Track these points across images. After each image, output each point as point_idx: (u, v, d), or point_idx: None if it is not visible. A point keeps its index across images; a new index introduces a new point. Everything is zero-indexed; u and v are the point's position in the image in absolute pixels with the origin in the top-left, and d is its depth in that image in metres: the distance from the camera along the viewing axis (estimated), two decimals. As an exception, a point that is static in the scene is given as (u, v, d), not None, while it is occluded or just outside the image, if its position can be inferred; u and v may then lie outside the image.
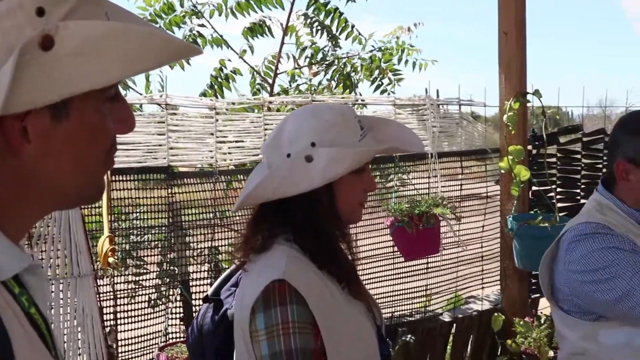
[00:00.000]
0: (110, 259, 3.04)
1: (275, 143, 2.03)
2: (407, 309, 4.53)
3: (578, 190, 5.26)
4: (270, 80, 6.08)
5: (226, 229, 3.88)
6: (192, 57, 1.37)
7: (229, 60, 5.93)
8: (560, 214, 4.50)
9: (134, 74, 1.00)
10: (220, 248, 3.92)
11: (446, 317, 4.67)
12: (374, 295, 4.14)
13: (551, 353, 4.13)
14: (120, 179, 3.49)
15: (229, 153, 3.92)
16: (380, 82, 6.17)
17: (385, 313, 4.35)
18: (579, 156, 5.23)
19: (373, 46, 6.23)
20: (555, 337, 2.69)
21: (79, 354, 2.96)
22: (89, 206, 3.33)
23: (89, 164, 1.01)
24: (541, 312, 4.68)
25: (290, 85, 6.25)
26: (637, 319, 2.21)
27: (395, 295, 4.44)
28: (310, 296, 1.88)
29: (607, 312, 2.31)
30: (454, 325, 4.72)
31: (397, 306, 4.47)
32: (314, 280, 1.93)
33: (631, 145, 2.36)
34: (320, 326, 1.87)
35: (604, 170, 5.37)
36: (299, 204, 1.98)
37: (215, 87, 5.83)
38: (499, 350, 4.68)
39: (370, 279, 4.28)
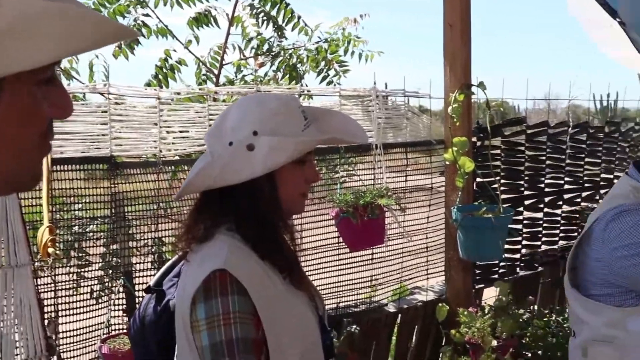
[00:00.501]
0: (50, 250, 2.99)
1: (218, 131, 2.02)
2: (352, 300, 4.53)
3: (522, 182, 5.33)
4: (216, 71, 6.05)
5: (170, 220, 3.84)
6: (128, 39, 1.34)
7: (174, 50, 5.89)
8: (504, 205, 4.55)
9: (68, 55, 0.97)
10: (164, 239, 3.88)
11: (391, 308, 4.69)
12: (319, 286, 4.14)
13: (494, 342, 4.17)
14: (62, 169, 3.43)
15: (173, 143, 3.88)
16: (326, 74, 6.19)
17: (330, 304, 4.35)
18: (522, 148, 5.30)
19: (319, 37, 6.24)
20: (570, 324, 2.66)
21: (17, 346, 2.90)
22: (30, 196, 3.27)
23: (22, 147, 0.97)
24: (485, 303, 4.73)
25: (236, 76, 6.23)
26: None
27: (340, 286, 4.44)
28: (252, 286, 1.87)
29: None
30: (399, 315, 4.74)
31: (342, 297, 4.47)
32: (255, 270, 1.93)
33: None
34: (261, 316, 1.87)
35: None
36: (240, 193, 1.97)
37: (160, 77, 5.77)
38: (444, 340, 4.71)
39: (315, 269, 4.27)
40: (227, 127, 1.99)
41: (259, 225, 1.99)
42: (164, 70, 5.78)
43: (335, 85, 6.07)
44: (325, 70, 6.16)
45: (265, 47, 6.25)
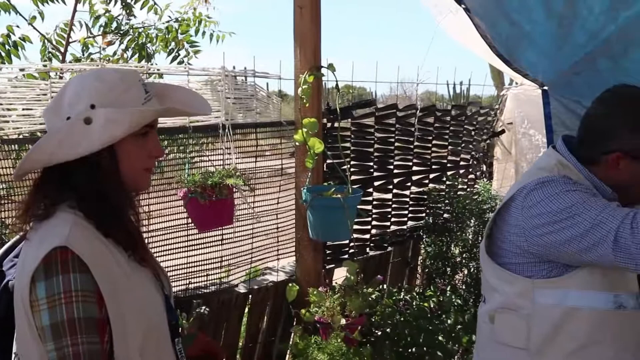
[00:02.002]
0: None
1: (56, 107, 1.97)
2: (202, 281, 4.50)
3: (371, 164, 5.43)
4: (62, 49, 5.87)
5: (13, 202, 3.70)
6: None
7: (18, 26, 5.66)
8: (354, 186, 4.62)
9: None
10: (6, 221, 3.73)
11: (242, 289, 4.67)
12: (169, 267, 4.10)
13: (343, 321, 4.23)
14: None
15: (14, 121, 3.73)
16: (177, 54, 6.12)
17: (180, 285, 4.31)
18: (372, 130, 5.39)
19: (170, 17, 6.15)
20: (482, 291, 2.73)
21: None
22: None
23: None
24: (335, 283, 4.78)
25: (83, 54, 6.07)
26: (601, 255, 2.20)
27: (190, 267, 4.39)
28: (94, 264, 1.83)
29: (565, 254, 2.31)
30: (250, 296, 4.74)
31: (192, 278, 4.43)
32: (98, 248, 1.89)
33: (633, 141, 2.37)
34: (104, 295, 1.84)
35: (395, 143, 5.55)
36: (81, 169, 1.93)
37: (3, 54, 5.54)
38: (294, 320, 4.75)
39: (164, 250, 4.21)
40: (65, 102, 1.95)
41: (101, 202, 1.95)
42: (7, 47, 5.56)
43: (185, 65, 6.02)
44: (176, 50, 6.10)
45: (114, 25, 6.11)
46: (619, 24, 4.13)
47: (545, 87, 4.36)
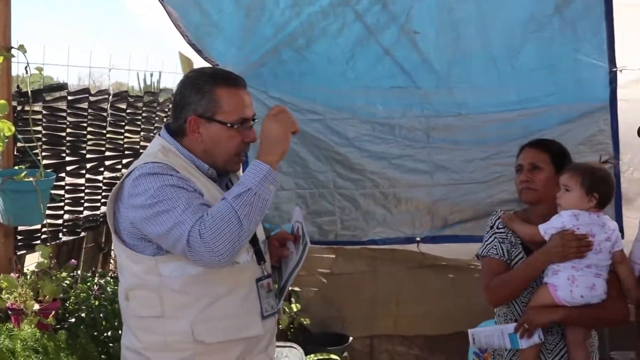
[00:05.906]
0: None
1: None
2: None
3: (64, 148, 5.37)
4: None
5: None
6: None
7: None
8: (47, 170, 4.57)
9: None
10: None
11: None
12: None
13: (36, 306, 4.19)
14: None
15: None
16: None
17: None
18: (64, 114, 5.34)
19: None
20: (118, 272, 2.89)
21: None
22: None
23: None
24: (27, 269, 4.70)
25: None
26: (182, 250, 2.50)
27: None
28: None
29: (161, 243, 2.60)
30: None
31: None
32: None
33: (202, 102, 2.69)
34: None
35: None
36: None
37: None
38: (-16, 309, 4.60)
39: None
40: None
41: None
42: None
43: None
44: None
45: None
46: (302, 19, 4.48)
47: (237, 78, 4.60)
